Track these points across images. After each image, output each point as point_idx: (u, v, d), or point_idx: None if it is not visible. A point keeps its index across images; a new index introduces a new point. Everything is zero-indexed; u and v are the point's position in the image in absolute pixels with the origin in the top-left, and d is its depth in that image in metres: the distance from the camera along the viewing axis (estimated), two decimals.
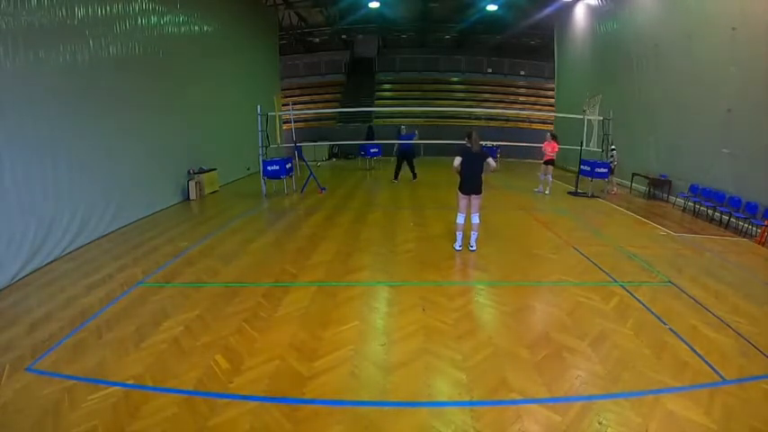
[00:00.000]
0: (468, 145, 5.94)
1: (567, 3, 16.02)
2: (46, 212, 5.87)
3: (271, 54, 17.44)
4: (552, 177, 11.26)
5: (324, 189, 11.26)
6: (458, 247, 6.23)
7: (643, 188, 11.00)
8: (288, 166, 10.77)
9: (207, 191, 10.73)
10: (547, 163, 11.09)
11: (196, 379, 3.24)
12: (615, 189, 11.25)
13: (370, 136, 18.35)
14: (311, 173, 11.46)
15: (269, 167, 10.54)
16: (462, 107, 22.19)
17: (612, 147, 10.94)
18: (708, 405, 2.96)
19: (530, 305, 4.64)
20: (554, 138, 11.25)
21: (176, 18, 9.82)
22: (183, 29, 10.14)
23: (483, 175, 6.01)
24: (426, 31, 23.52)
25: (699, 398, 3.04)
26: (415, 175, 12.66)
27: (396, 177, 12.65)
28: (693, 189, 9.11)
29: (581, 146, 11.25)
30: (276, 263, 5.81)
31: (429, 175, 13.66)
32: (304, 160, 12.36)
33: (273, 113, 11.81)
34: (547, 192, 11.07)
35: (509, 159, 18.25)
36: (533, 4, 17.47)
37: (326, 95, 23.78)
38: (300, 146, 12.22)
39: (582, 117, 11.55)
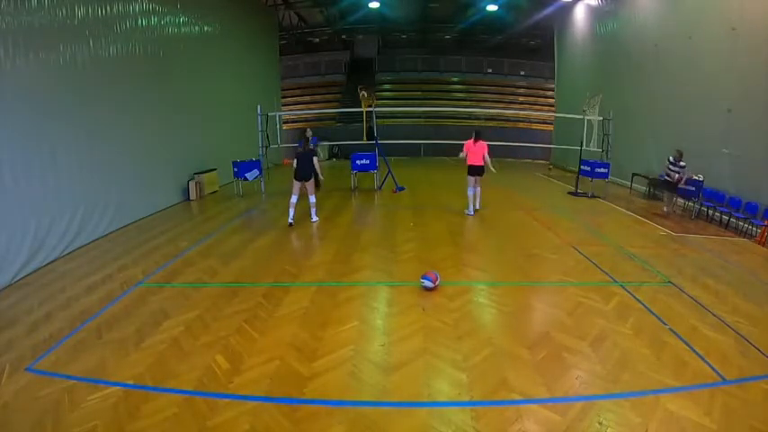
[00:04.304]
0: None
1: (567, 3, 16.00)
2: (46, 212, 5.86)
3: (271, 54, 17.44)
4: (479, 188, 8.36)
5: (400, 188, 10.99)
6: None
7: (643, 188, 11.00)
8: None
9: (207, 191, 10.73)
10: (473, 173, 8.11)
11: (196, 379, 3.24)
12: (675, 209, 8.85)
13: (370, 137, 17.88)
14: (389, 171, 11.30)
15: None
16: (462, 107, 22.21)
17: (682, 163, 8.60)
18: (708, 405, 2.96)
19: (530, 305, 4.64)
20: (478, 136, 8.05)
21: (176, 18, 9.82)
22: (183, 29, 10.14)
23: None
24: (426, 32, 23.54)
25: (699, 398, 3.03)
26: None
27: None
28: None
29: (581, 146, 11.26)
30: (276, 263, 5.81)
31: (428, 174, 13.66)
32: (384, 158, 11.38)
33: (273, 113, 11.78)
34: (468, 210, 8.32)
35: (507, 159, 18.21)
36: (533, 4, 17.48)
37: (327, 95, 23.80)
38: (381, 143, 11.42)
39: (582, 117, 11.56)
